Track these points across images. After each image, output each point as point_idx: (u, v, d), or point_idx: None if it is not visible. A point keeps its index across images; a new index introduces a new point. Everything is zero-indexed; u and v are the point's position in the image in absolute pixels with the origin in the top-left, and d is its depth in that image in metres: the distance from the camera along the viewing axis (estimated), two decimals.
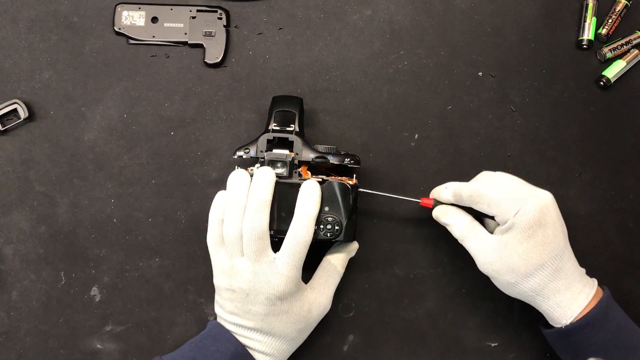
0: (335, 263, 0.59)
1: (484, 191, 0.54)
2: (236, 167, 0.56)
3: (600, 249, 0.64)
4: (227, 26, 0.65)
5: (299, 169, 0.56)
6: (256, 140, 0.57)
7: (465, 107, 0.65)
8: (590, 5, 0.66)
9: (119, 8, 0.65)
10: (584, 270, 0.55)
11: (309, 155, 0.57)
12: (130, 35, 0.65)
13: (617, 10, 0.66)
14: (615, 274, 0.64)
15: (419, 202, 0.58)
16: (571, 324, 0.52)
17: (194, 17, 0.65)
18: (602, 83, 0.65)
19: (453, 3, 0.66)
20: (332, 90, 0.65)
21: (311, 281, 0.58)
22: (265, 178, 0.53)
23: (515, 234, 0.52)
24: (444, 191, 0.57)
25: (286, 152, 0.56)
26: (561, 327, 0.53)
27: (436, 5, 0.66)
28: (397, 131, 0.65)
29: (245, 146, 0.57)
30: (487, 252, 0.53)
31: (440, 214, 0.57)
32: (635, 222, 0.64)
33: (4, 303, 0.62)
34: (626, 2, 0.66)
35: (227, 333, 0.54)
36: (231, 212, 0.53)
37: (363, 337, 0.62)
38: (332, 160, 0.57)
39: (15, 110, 0.63)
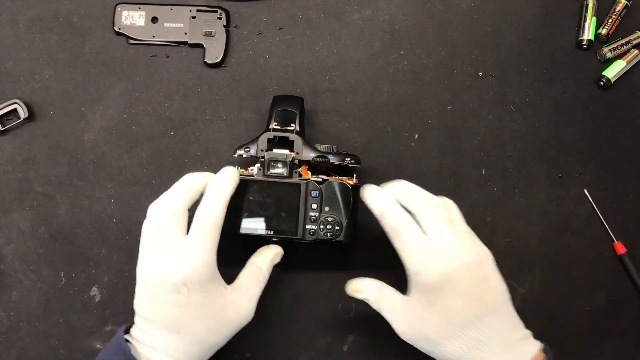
0: (261, 266, 0.54)
1: (404, 230, 0.49)
2: (236, 166, 0.56)
3: (600, 250, 0.64)
4: (227, 26, 0.65)
5: (299, 169, 0.56)
6: (257, 139, 0.57)
7: (465, 107, 0.65)
8: (590, 5, 0.66)
9: (119, 8, 0.65)
10: (525, 333, 0.49)
11: (309, 154, 0.57)
12: (130, 35, 0.65)
13: (617, 10, 0.66)
14: (616, 274, 0.64)
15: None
16: None
17: (194, 17, 0.65)
18: (602, 83, 0.65)
19: (453, 3, 0.66)
20: (332, 90, 0.65)
21: (234, 282, 0.53)
22: (219, 178, 0.51)
23: (417, 296, 0.49)
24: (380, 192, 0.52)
25: (286, 151, 0.56)
26: None
27: (436, 5, 0.66)
28: (397, 131, 0.65)
29: (245, 145, 0.57)
30: (399, 319, 0.50)
31: (352, 292, 0.54)
32: (635, 222, 0.64)
33: (4, 303, 0.62)
34: (626, 2, 0.66)
35: (119, 338, 0.49)
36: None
37: (363, 337, 0.62)
38: (333, 159, 0.57)
39: (15, 110, 0.63)
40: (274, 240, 0.55)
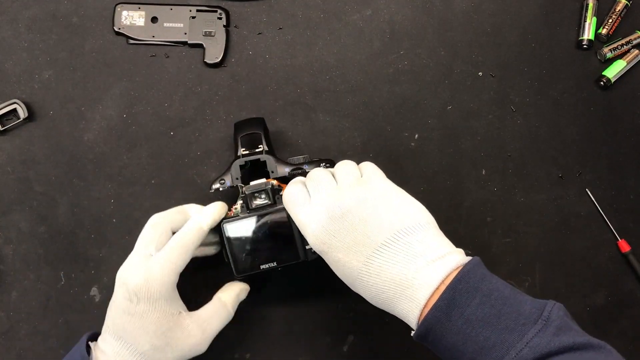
0: (226, 301, 0.55)
1: (291, 202, 0.50)
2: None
3: (600, 250, 0.64)
4: (227, 26, 0.65)
5: (281, 193, 0.55)
6: (229, 169, 0.57)
7: (465, 107, 0.65)
8: (590, 5, 0.66)
9: (118, 8, 0.65)
10: (435, 256, 0.44)
11: (284, 170, 0.56)
12: (130, 35, 0.65)
13: (617, 10, 0.66)
14: (616, 274, 0.64)
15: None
16: (414, 333, 0.45)
17: (193, 17, 0.65)
18: (602, 83, 0.65)
19: (453, 3, 0.66)
20: (332, 90, 0.65)
21: (195, 311, 0.53)
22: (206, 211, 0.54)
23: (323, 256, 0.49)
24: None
25: (264, 180, 0.55)
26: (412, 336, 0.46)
27: (436, 5, 0.66)
28: (397, 131, 0.65)
29: (220, 177, 0.57)
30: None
31: None
32: (635, 222, 0.64)
33: (4, 303, 0.62)
34: (626, 2, 0.66)
35: (82, 342, 0.51)
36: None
37: (363, 337, 0.62)
38: (308, 169, 0.56)
39: (15, 110, 0.63)
40: (279, 270, 0.54)
